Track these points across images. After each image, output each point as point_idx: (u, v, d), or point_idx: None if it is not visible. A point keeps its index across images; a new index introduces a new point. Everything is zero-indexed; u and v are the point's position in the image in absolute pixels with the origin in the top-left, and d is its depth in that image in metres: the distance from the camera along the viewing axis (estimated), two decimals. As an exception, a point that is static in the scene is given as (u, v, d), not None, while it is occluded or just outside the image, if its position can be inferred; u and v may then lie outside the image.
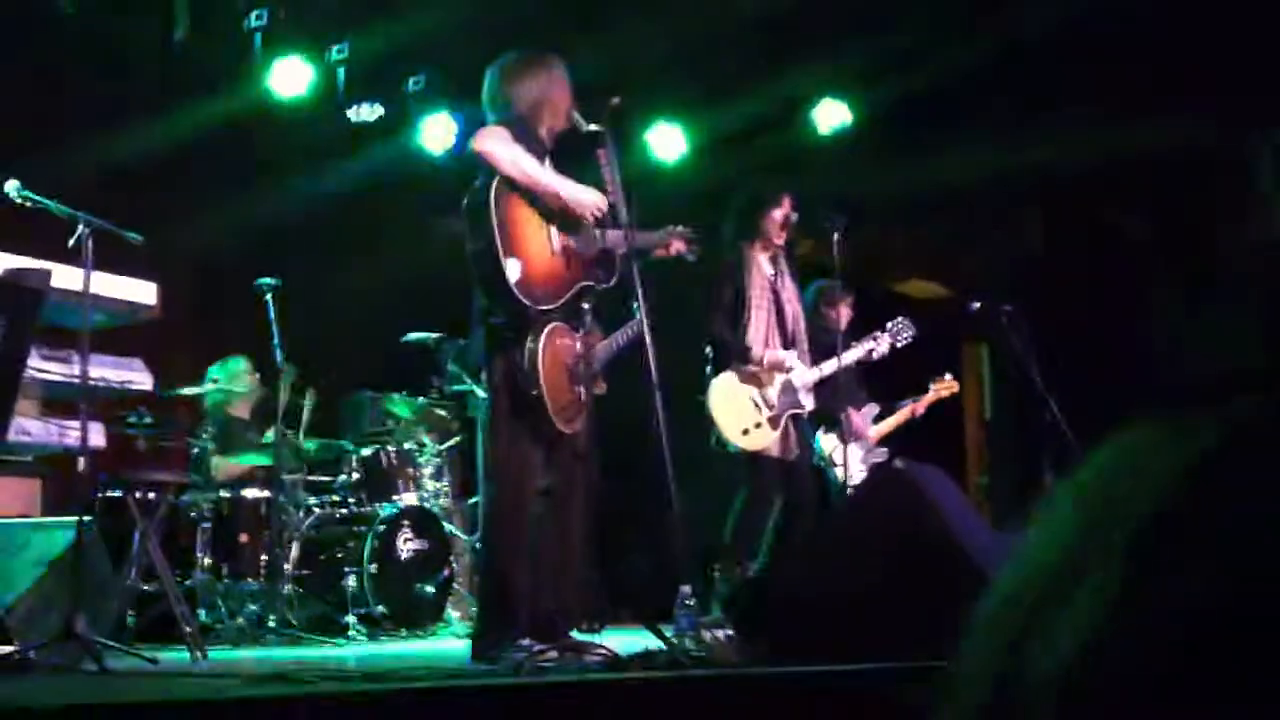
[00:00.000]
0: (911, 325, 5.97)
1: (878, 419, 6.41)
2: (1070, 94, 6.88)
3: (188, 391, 5.86)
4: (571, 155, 4.39)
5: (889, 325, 5.95)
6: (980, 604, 0.68)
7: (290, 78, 6.87)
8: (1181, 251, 7.35)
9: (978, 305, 6.26)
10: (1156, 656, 0.57)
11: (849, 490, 5.63)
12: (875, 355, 5.85)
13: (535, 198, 4.05)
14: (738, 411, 5.31)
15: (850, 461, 6.06)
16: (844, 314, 6.15)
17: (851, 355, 5.61)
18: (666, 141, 7.85)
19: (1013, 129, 7.00)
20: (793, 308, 5.52)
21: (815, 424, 5.82)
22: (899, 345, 5.92)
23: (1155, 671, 0.57)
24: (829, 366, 5.53)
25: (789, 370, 5.35)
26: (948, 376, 6.77)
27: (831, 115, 7.67)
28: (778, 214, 5.49)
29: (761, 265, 5.48)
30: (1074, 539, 0.64)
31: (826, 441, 6.02)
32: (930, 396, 6.61)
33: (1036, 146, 7.10)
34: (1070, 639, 0.60)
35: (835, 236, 5.40)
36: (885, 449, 6.31)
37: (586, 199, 4.10)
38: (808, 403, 5.44)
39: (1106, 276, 7.70)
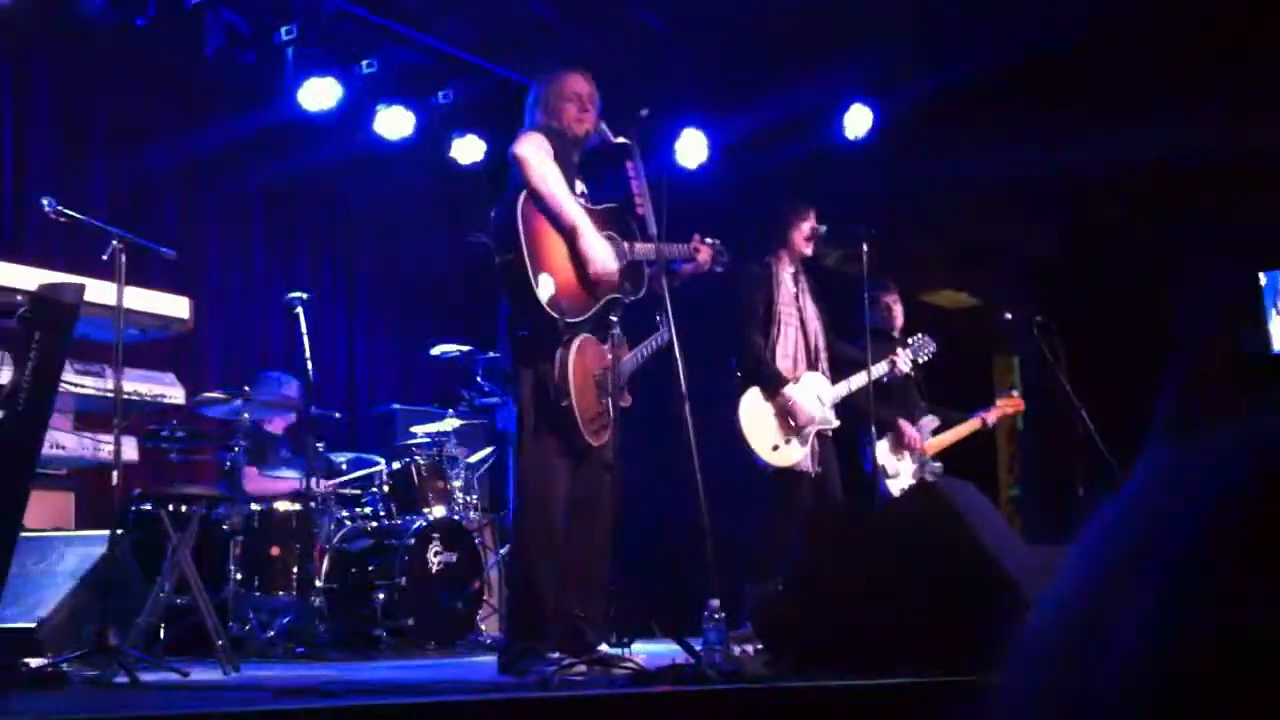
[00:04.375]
0: (932, 341, 5.92)
1: (937, 431, 6.27)
2: (1096, 97, 6.81)
3: (224, 407, 5.86)
4: (600, 166, 4.38)
5: (910, 341, 5.90)
6: (1026, 620, 0.67)
7: (320, 93, 6.91)
8: (1204, 254, 7.28)
9: (1009, 316, 6.21)
10: (1198, 679, 0.56)
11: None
12: (898, 371, 5.81)
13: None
14: (767, 427, 5.29)
15: (903, 473, 6.00)
16: (894, 312, 6.13)
17: (876, 371, 5.56)
18: (691, 149, 7.81)
19: (1039, 133, 6.94)
20: (814, 325, 5.51)
21: (871, 433, 5.78)
22: (920, 361, 5.88)
23: (1197, 695, 0.56)
24: (855, 382, 5.49)
25: (801, 421, 5.31)
26: (1014, 393, 6.64)
27: (858, 120, 7.59)
28: (805, 227, 5.50)
29: (786, 281, 5.47)
30: (1117, 556, 0.64)
31: (880, 450, 5.93)
32: (998, 411, 6.43)
33: (1064, 150, 7.05)
34: (1120, 655, 0.59)
35: (863, 246, 5.36)
36: (940, 464, 6.19)
37: (597, 257, 4.00)
38: (833, 419, 5.42)
39: (1136, 282, 7.63)
